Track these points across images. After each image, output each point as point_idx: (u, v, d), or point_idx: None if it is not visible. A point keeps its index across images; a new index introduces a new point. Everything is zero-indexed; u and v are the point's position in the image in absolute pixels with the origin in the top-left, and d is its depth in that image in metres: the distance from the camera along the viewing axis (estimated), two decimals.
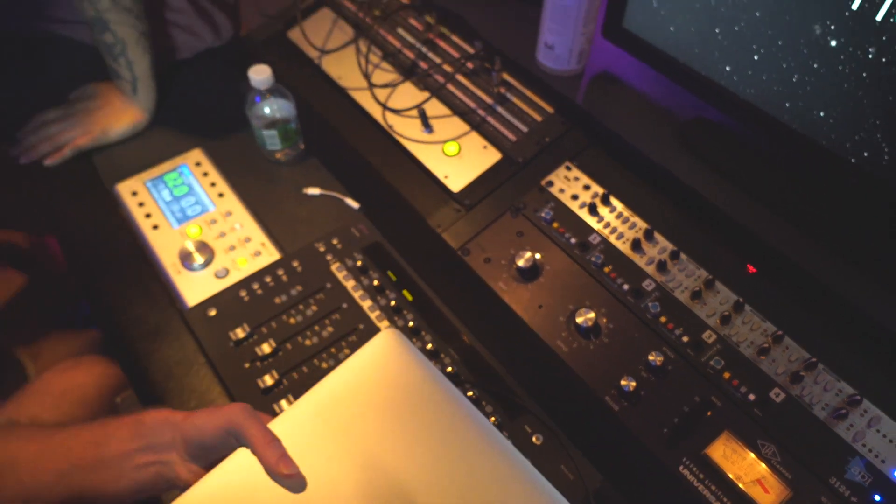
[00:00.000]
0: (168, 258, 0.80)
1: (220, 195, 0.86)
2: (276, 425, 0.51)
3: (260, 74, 0.80)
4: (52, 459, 0.54)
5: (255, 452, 0.49)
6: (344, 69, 0.96)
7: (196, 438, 0.52)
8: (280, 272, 0.78)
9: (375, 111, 0.91)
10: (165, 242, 0.81)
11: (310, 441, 0.50)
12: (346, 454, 0.50)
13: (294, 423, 0.51)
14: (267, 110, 0.84)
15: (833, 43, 0.62)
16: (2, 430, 0.58)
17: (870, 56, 0.60)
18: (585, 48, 0.84)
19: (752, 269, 0.72)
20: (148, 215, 0.84)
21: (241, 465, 0.50)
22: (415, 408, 0.51)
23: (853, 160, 0.67)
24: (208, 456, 0.53)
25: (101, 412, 0.88)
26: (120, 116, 0.91)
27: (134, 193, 0.86)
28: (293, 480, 0.48)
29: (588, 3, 0.78)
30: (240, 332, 0.72)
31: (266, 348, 0.71)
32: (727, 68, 0.73)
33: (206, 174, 0.88)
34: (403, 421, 0.51)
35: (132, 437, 0.54)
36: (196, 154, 0.91)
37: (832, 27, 0.62)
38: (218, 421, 0.51)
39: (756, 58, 0.70)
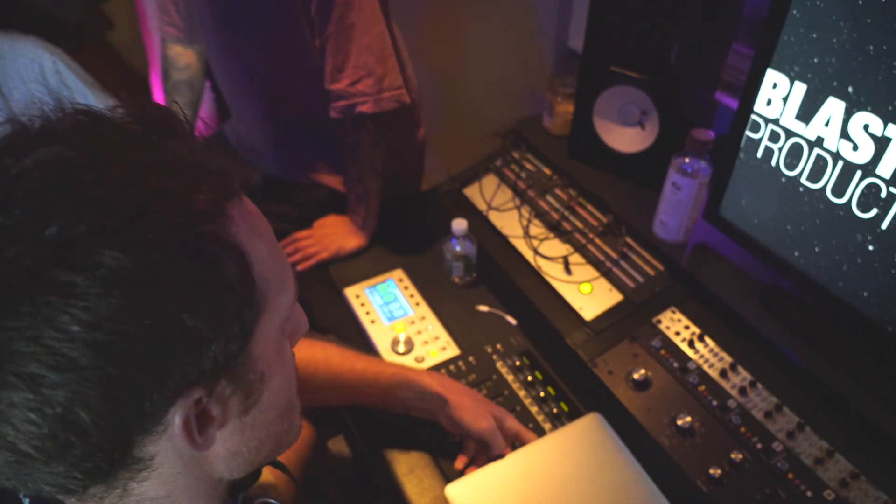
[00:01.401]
0: (382, 345, 1.14)
1: (417, 304, 1.21)
2: (503, 462, 0.86)
3: (460, 225, 1.17)
4: (349, 383, 0.91)
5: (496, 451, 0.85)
6: (505, 221, 1.33)
7: (455, 421, 0.88)
8: (460, 363, 1.10)
9: (528, 255, 1.25)
10: (380, 334, 1.16)
11: (523, 476, 0.82)
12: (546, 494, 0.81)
13: (517, 462, 0.84)
14: (458, 248, 1.20)
15: (870, 248, 0.91)
16: (325, 343, 0.94)
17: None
18: (690, 226, 1.16)
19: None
20: (367, 313, 1.19)
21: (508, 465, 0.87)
22: (605, 474, 0.82)
23: (890, 329, 0.93)
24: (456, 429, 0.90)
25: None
26: (350, 239, 1.30)
27: (357, 296, 1.23)
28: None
29: (695, 198, 1.11)
30: None
31: None
32: (795, 253, 1.02)
33: (406, 287, 1.24)
34: (594, 480, 0.82)
35: (410, 390, 0.91)
36: (399, 272, 1.27)
37: (869, 237, 0.91)
38: (472, 429, 0.86)
39: (817, 249, 0.98)
